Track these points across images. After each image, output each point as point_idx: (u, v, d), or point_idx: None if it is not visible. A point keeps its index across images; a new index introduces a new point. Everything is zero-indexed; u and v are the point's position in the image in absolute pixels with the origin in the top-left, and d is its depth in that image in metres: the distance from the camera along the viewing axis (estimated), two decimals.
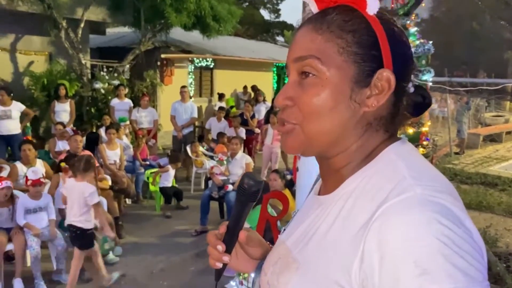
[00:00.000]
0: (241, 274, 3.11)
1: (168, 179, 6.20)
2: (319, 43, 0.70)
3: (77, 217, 3.84)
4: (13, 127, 6.63)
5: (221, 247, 0.84)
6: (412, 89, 0.73)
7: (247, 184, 0.81)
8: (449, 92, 9.54)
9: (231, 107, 11.45)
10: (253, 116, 9.41)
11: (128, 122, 7.62)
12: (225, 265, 0.86)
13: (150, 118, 8.00)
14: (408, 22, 3.12)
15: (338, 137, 0.71)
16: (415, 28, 3.16)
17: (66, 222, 3.96)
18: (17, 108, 6.67)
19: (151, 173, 6.53)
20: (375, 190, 0.65)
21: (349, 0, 0.71)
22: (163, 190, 6.17)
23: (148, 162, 6.95)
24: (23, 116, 6.87)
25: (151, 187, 6.42)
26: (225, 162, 5.89)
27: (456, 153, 10.57)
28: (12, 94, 6.69)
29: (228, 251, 0.85)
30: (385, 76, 0.68)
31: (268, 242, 0.96)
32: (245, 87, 13.42)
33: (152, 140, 7.98)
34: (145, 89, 10.17)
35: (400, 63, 0.70)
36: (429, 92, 0.77)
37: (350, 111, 0.70)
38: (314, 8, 0.76)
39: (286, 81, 0.77)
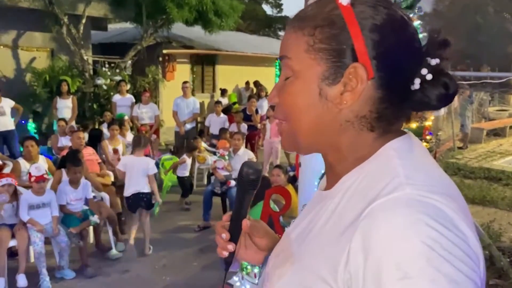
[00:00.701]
0: (244, 269, 3.11)
1: (186, 168, 6.28)
2: (292, 42, 0.70)
3: (144, 186, 4.67)
4: (8, 123, 6.69)
5: (225, 235, 0.85)
6: (430, 76, 0.66)
7: (246, 172, 0.82)
8: None
9: (234, 103, 11.42)
10: (256, 112, 9.39)
11: (126, 117, 7.61)
12: (232, 253, 0.87)
13: (151, 114, 8.00)
14: (412, 15, 3.10)
15: (316, 135, 0.70)
16: (418, 22, 3.14)
17: (131, 192, 4.67)
18: (8, 104, 6.73)
19: (165, 159, 6.62)
20: (368, 188, 0.63)
21: None
22: (181, 180, 6.25)
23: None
24: (13, 112, 6.90)
25: (162, 176, 6.48)
26: (226, 157, 5.88)
27: (460, 148, 10.51)
28: (0, 91, 6.74)
29: (233, 240, 0.86)
30: (355, 71, 0.65)
31: (278, 234, 0.96)
32: (247, 83, 13.38)
33: (154, 135, 7.99)
34: (147, 85, 10.17)
35: (387, 55, 0.65)
36: (453, 78, 0.67)
37: (323, 109, 0.68)
38: None
39: None
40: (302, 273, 0.68)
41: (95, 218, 4.41)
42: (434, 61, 0.67)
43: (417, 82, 0.66)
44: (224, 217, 0.88)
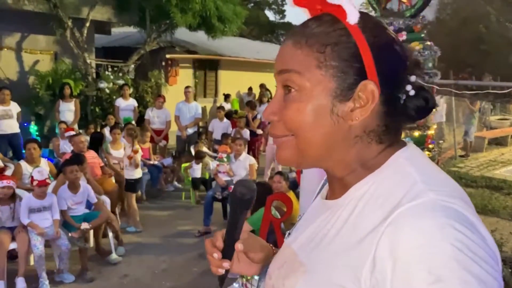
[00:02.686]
0: (244, 276, 3.09)
1: (196, 171, 6.54)
2: (299, 57, 0.69)
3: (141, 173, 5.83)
4: (14, 125, 6.73)
5: (216, 255, 0.84)
6: (412, 92, 0.71)
7: (240, 192, 0.80)
8: (454, 95, 9.47)
9: (235, 111, 11.41)
10: (255, 117, 9.39)
11: (133, 122, 7.62)
12: (227, 270, 0.86)
13: (163, 118, 8.01)
14: (415, 24, 3.11)
15: (326, 151, 0.70)
16: (422, 30, 3.14)
17: (133, 177, 5.63)
18: (15, 108, 6.77)
19: (184, 167, 6.92)
20: (385, 196, 0.64)
21: (330, 9, 0.69)
22: (194, 180, 6.54)
23: (151, 162, 6.94)
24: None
25: (186, 181, 6.87)
26: (225, 159, 5.88)
27: (461, 156, 10.49)
28: (11, 94, 6.79)
29: (228, 257, 0.84)
30: (368, 88, 0.67)
31: (271, 245, 0.95)
32: (250, 88, 13.38)
33: (164, 141, 8.02)
34: (150, 89, 10.19)
35: (389, 72, 0.68)
36: (432, 94, 0.74)
37: (333, 125, 0.68)
38: (307, 16, 0.75)
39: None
40: (318, 282, 0.68)
41: (85, 225, 4.32)
42: (413, 78, 0.72)
43: (403, 98, 0.71)
44: (218, 240, 0.85)
